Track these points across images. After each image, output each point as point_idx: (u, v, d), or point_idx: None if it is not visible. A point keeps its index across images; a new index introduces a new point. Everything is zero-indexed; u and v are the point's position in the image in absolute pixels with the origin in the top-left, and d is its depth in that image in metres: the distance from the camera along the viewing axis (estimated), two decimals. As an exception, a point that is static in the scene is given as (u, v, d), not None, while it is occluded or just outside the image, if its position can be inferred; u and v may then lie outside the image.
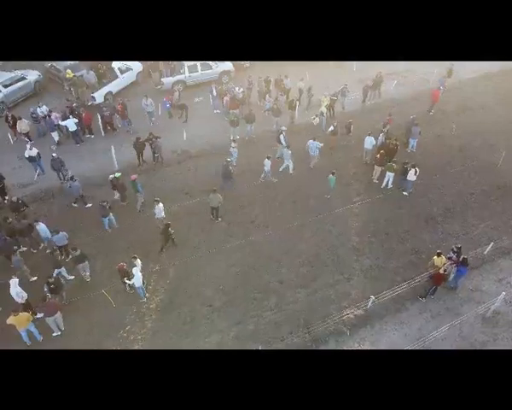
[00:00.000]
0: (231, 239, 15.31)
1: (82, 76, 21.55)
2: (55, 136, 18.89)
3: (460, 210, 16.79)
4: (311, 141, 17.74)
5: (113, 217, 15.30)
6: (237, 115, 19.47)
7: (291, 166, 17.86)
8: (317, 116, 20.16)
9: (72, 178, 15.65)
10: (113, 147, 17.61)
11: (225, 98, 20.70)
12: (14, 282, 12.23)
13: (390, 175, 16.99)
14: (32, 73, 22.41)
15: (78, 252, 13.16)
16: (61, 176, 17.14)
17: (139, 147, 17.71)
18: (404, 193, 17.12)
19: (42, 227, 14.08)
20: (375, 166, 17.50)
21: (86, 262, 13.52)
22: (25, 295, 12.37)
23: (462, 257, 13.07)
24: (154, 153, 18.10)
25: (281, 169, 17.92)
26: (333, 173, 16.32)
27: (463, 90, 23.92)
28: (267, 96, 21.00)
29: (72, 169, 17.26)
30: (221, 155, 18.13)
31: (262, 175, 17.58)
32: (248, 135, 19.90)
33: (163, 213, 15.01)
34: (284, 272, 14.30)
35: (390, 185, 17.24)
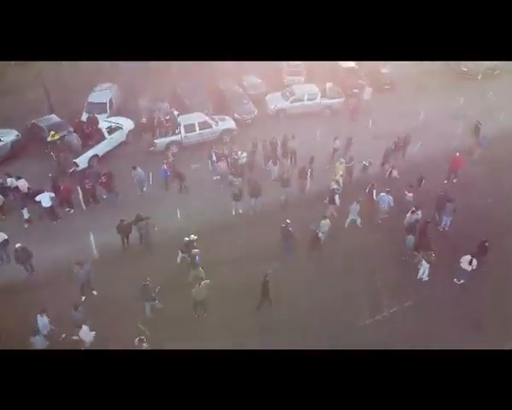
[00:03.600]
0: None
1: (64, 137, 19.05)
2: (25, 213, 16.14)
3: None
4: (383, 194, 16.03)
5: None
6: (241, 187, 16.74)
7: (358, 221, 16.51)
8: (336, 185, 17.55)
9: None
10: (91, 234, 14.76)
11: (221, 164, 18.08)
12: None
13: (426, 266, 14.17)
14: (8, 133, 19.98)
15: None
16: (29, 268, 14.30)
17: (123, 230, 14.93)
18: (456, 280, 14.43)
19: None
20: (422, 261, 14.77)
21: None
22: None
23: None
24: (140, 236, 15.32)
25: (347, 225, 16.52)
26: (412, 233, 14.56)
27: (493, 150, 21.37)
28: (270, 162, 18.39)
29: (45, 252, 14.63)
30: (222, 236, 15.42)
31: (320, 236, 15.42)
32: (253, 209, 17.17)
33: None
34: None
35: (425, 278, 14.38)
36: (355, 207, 16.12)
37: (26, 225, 16.14)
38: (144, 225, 14.97)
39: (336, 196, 16.37)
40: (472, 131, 20.82)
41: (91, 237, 14.72)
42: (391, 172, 18.52)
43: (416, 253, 15.21)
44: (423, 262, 14.21)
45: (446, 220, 16.17)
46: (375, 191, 16.80)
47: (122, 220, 14.79)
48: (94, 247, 14.91)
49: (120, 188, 17.64)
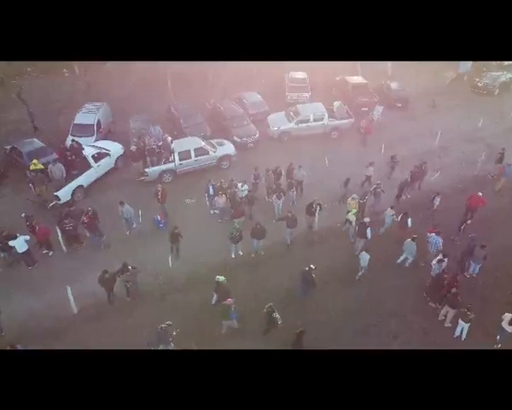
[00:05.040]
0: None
1: (46, 168, 17.09)
2: (-1, 259, 14.22)
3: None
4: (433, 235, 14.25)
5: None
6: (239, 229, 14.79)
7: (410, 260, 14.75)
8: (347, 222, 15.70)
9: None
10: (69, 289, 12.77)
11: (219, 199, 16.14)
12: None
13: (465, 326, 12.33)
14: (-16, 160, 18.10)
15: None
16: (-3, 326, 12.38)
17: (107, 283, 12.98)
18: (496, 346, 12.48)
19: None
20: (446, 307, 12.96)
21: None
22: None
23: None
24: (127, 290, 13.39)
25: (399, 261, 14.93)
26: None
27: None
28: (275, 196, 16.48)
29: (14, 305, 12.86)
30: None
31: (360, 273, 14.31)
32: (256, 251, 15.25)
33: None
34: None
35: (464, 337, 12.52)
36: (410, 245, 14.32)
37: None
38: (131, 277, 13.03)
39: (368, 230, 14.59)
40: (495, 158, 18.92)
41: (69, 292, 12.73)
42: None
43: (439, 306, 13.37)
44: (460, 321, 12.31)
45: (475, 267, 14.25)
46: (409, 220, 15.13)
47: (105, 272, 12.81)
48: (72, 301, 12.94)
49: (106, 224, 15.68)
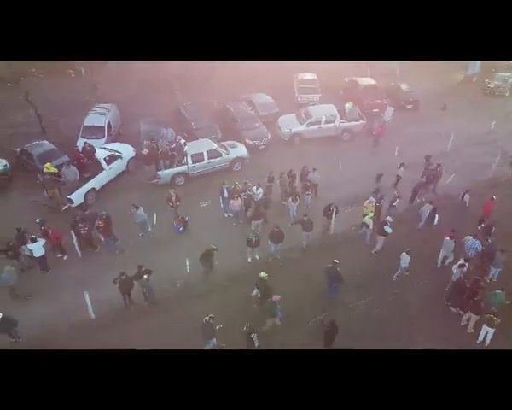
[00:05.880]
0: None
1: (59, 171, 16.88)
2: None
3: None
4: (469, 237, 14.15)
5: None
6: (258, 234, 14.62)
7: (450, 259, 14.65)
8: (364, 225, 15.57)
9: None
10: (87, 295, 12.58)
11: (234, 202, 16.01)
12: None
13: (489, 331, 12.19)
14: (-7, 163, 17.85)
15: None
16: (14, 335, 12.16)
17: (124, 286, 12.80)
18: None
19: None
20: (469, 313, 12.86)
21: None
22: None
23: None
24: (144, 294, 13.23)
25: (439, 264, 14.94)
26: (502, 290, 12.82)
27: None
28: (290, 199, 16.31)
29: (28, 314, 12.54)
30: (239, 290, 13.51)
31: (397, 272, 14.30)
32: (272, 255, 15.08)
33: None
34: None
35: (488, 342, 12.38)
36: (449, 243, 14.29)
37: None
38: (145, 282, 12.85)
39: (386, 226, 14.70)
40: (509, 162, 18.83)
41: (87, 298, 12.53)
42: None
43: (461, 312, 13.24)
44: (484, 326, 12.20)
45: (495, 272, 14.13)
46: (437, 216, 15.49)
47: (122, 274, 12.63)
48: (90, 307, 12.75)
49: (120, 228, 15.50)
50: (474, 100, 25.43)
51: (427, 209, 15.71)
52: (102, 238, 15.22)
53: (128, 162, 18.79)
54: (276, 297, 12.21)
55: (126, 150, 18.99)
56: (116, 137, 20.63)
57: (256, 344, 11.41)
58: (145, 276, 12.82)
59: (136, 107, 22.06)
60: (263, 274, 12.90)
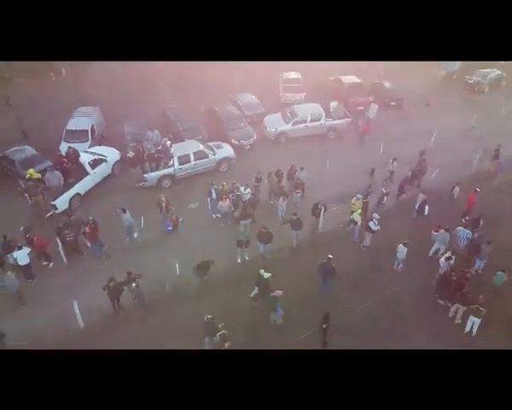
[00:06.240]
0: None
1: (43, 177, 16.49)
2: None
3: None
4: (460, 228, 14.60)
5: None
6: (247, 235, 14.59)
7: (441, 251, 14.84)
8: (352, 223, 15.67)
9: None
10: (75, 303, 12.32)
11: (223, 203, 15.95)
12: None
13: (476, 321, 12.42)
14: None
15: None
16: (1, 346, 11.85)
17: (113, 293, 12.60)
18: None
19: None
20: (456, 305, 13.09)
21: None
22: None
23: None
24: (132, 297, 13.05)
25: (431, 253, 15.15)
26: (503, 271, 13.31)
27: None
28: (281, 198, 16.30)
29: (14, 326, 12.16)
30: (229, 291, 13.38)
31: (396, 265, 14.60)
32: (261, 255, 15.05)
33: None
34: None
35: (475, 332, 12.60)
36: (443, 235, 14.56)
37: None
38: (135, 289, 12.68)
39: (371, 223, 14.98)
40: (491, 155, 19.19)
41: (75, 307, 12.28)
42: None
43: (449, 304, 13.43)
44: (471, 317, 12.44)
45: (480, 264, 14.39)
46: (427, 207, 15.90)
47: (110, 279, 12.41)
48: (79, 315, 12.50)
49: (106, 233, 15.24)
50: (455, 96, 25.85)
51: (419, 200, 16.10)
52: (89, 244, 14.97)
53: (113, 166, 18.51)
54: (277, 293, 12.43)
55: (111, 154, 18.71)
56: (100, 140, 20.32)
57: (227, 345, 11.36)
58: (133, 284, 12.68)
59: (121, 109, 21.77)
60: (262, 271, 13.00)
